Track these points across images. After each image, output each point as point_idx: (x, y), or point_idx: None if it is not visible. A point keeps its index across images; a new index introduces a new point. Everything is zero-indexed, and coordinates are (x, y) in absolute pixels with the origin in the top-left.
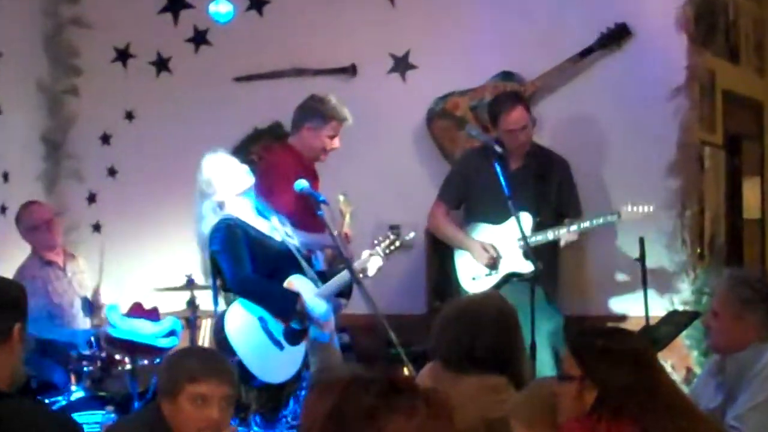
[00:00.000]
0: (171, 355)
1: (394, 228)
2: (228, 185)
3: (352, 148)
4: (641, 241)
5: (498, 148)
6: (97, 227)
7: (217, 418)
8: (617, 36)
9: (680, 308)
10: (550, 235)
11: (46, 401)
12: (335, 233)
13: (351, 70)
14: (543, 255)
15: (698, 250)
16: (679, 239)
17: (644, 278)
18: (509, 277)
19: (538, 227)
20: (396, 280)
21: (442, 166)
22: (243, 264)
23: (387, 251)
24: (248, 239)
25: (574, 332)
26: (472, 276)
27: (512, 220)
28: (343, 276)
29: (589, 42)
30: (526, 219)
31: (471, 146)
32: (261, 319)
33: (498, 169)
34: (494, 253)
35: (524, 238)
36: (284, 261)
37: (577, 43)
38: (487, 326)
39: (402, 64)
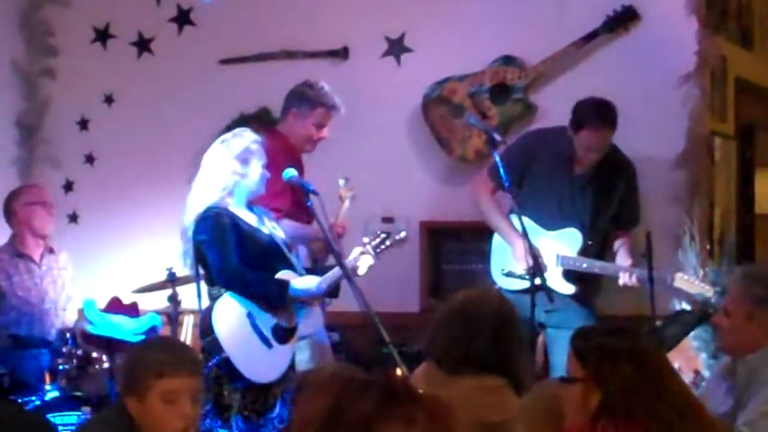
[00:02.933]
0: (132, 349)
1: (388, 220)
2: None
3: (343, 135)
4: (648, 237)
5: (497, 137)
6: (73, 217)
7: (190, 413)
8: (624, 19)
9: (688, 308)
10: (596, 268)
11: (19, 401)
12: (325, 225)
13: (343, 53)
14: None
15: (707, 247)
16: (687, 235)
17: (650, 275)
18: (541, 288)
19: (586, 250)
20: (388, 277)
21: (437, 154)
22: (230, 255)
23: (378, 250)
24: (237, 230)
25: (578, 332)
26: (505, 270)
27: (564, 231)
28: (339, 271)
29: (595, 25)
30: (575, 238)
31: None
32: (249, 315)
33: (497, 159)
34: (536, 264)
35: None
36: (272, 255)
37: (581, 27)
38: (484, 325)
39: (397, 47)
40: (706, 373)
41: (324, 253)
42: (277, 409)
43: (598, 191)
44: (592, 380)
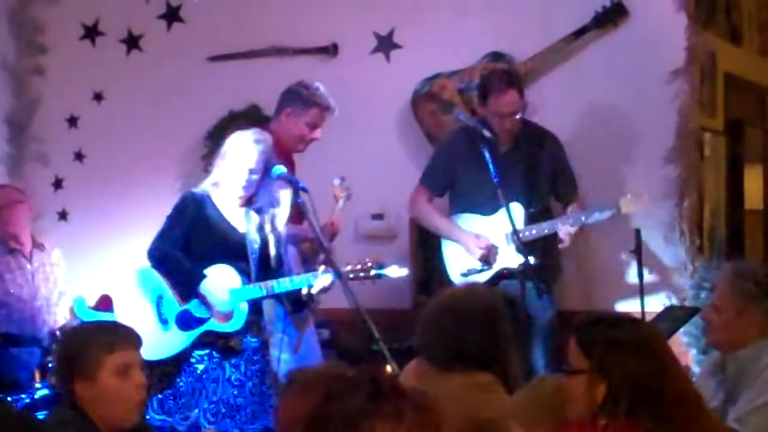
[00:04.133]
0: (71, 337)
1: (377, 217)
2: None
3: (332, 131)
4: (637, 233)
5: (487, 133)
6: (63, 215)
7: (145, 382)
8: (613, 15)
9: (678, 303)
10: (545, 228)
11: (9, 399)
12: (315, 222)
13: (332, 50)
14: (540, 246)
15: (697, 242)
16: (677, 231)
17: (640, 272)
18: (502, 273)
19: (531, 219)
20: None
21: (427, 151)
22: (167, 235)
23: (353, 275)
24: (199, 216)
25: (580, 323)
26: (462, 271)
27: (503, 211)
28: (285, 281)
29: (584, 21)
30: (517, 210)
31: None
32: (159, 297)
33: (487, 155)
34: (490, 245)
35: (515, 232)
36: (230, 251)
37: (571, 23)
38: (474, 322)
39: (386, 44)
40: (696, 369)
41: (314, 253)
42: (183, 397)
43: (525, 165)
44: (596, 372)
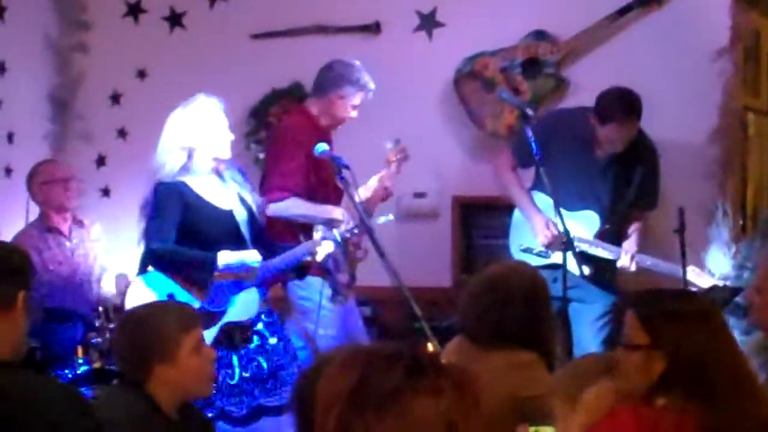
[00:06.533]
0: (141, 321)
1: (420, 195)
2: (210, 137)
3: (374, 110)
4: (680, 212)
5: (530, 111)
6: (106, 192)
7: (216, 355)
8: None
9: (721, 283)
10: (608, 252)
11: (52, 374)
12: (357, 200)
13: (374, 28)
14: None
15: (740, 222)
16: (720, 210)
17: (683, 251)
18: (556, 267)
19: (601, 235)
20: (420, 252)
21: (469, 129)
22: (163, 234)
23: (347, 234)
24: (183, 206)
25: (640, 297)
26: (522, 246)
27: (582, 213)
28: (289, 255)
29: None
30: (593, 221)
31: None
32: (170, 296)
33: (530, 134)
34: (557, 234)
35: (570, 241)
36: (225, 234)
37: (614, 1)
38: (516, 299)
39: (429, 22)
40: None
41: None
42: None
43: (619, 174)
44: (656, 347)
